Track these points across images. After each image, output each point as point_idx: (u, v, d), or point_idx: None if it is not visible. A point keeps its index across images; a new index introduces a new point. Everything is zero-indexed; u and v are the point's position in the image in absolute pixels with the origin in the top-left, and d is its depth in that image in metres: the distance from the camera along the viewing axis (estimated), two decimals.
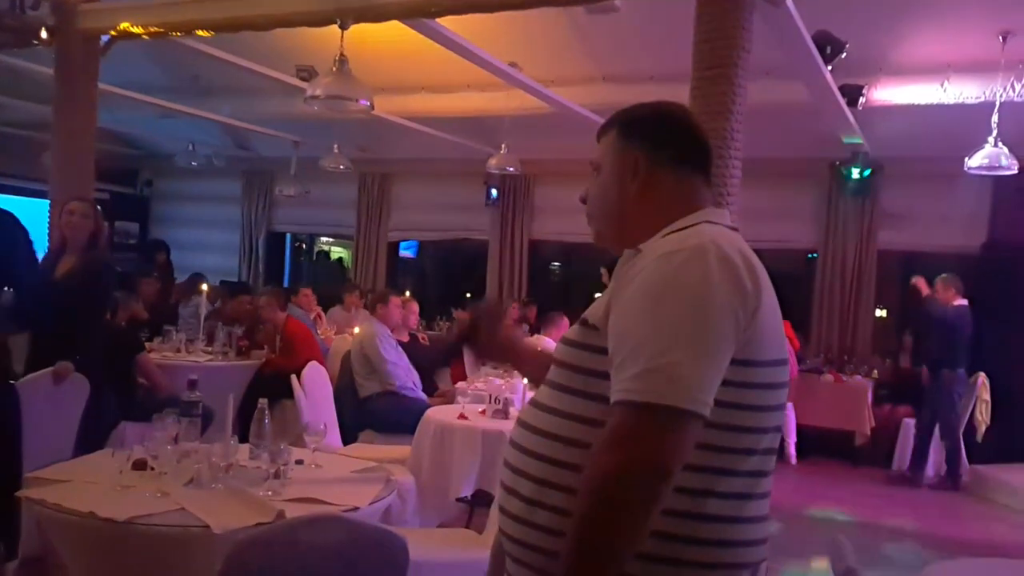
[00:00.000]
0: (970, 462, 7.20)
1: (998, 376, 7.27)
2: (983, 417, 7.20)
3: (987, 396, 7.20)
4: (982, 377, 7.23)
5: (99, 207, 4.56)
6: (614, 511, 1.18)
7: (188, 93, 8.48)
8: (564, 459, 1.34)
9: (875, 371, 8.08)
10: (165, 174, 12.13)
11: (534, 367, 1.84)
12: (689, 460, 1.22)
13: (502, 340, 1.87)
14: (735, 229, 1.43)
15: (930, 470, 7.23)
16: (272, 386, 5.03)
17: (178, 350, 6.30)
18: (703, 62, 3.89)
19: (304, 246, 13.86)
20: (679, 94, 3.21)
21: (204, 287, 6.81)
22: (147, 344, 5.92)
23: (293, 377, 4.68)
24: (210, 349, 6.43)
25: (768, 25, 4.69)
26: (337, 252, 14.74)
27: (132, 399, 5.08)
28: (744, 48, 3.94)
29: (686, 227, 1.38)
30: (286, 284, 11.72)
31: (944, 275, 7.29)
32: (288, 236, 12.55)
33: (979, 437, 7.28)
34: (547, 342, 5.88)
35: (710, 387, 1.22)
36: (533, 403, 1.47)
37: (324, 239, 14.35)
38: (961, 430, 6.98)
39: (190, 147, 10.44)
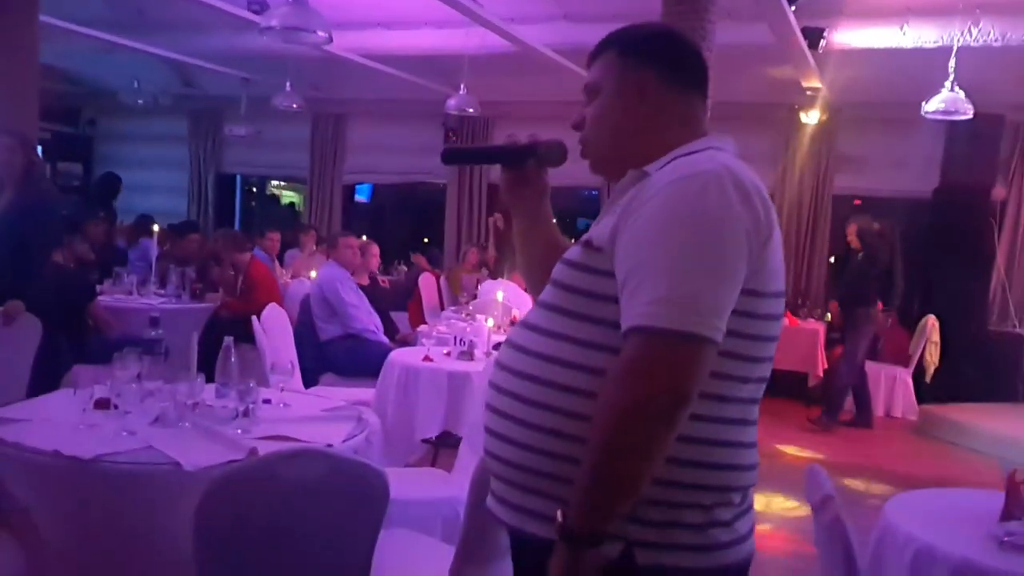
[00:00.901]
0: (920, 402, 7.43)
1: (948, 318, 7.46)
2: (932, 358, 7.42)
3: (937, 338, 7.40)
4: (932, 319, 7.42)
5: (28, 141, 4.39)
6: (636, 438, 1.18)
7: (133, 27, 8.12)
8: (561, 382, 1.31)
9: (828, 314, 8.23)
10: (109, 113, 11.69)
11: (540, 250, 1.65)
12: None
13: (543, 191, 1.64)
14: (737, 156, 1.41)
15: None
16: (230, 329, 4.93)
17: (129, 292, 6.15)
18: None
19: (255, 189, 13.56)
20: None
21: (155, 227, 6.62)
22: (97, 287, 5.77)
23: (254, 319, 4.60)
24: (163, 292, 6.28)
25: None
26: (288, 196, 14.47)
27: (84, 342, 4.96)
28: None
29: (695, 152, 1.35)
30: (236, 227, 11.48)
31: (853, 216, 7.38)
32: (238, 178, 12.26)
33: (928, 378, 7.51)
34: (512, 286, 5.88)
35: (726, 314, 1.22)
36: (525, 325, 1.43)
37: (274, 183, 14.06)
38: (861, 364, 7.08)
39: (135, 84, 10.06)
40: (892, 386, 7.57)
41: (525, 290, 6.01)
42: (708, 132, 1.44)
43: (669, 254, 1.22)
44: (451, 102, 7.77)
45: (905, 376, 7.56)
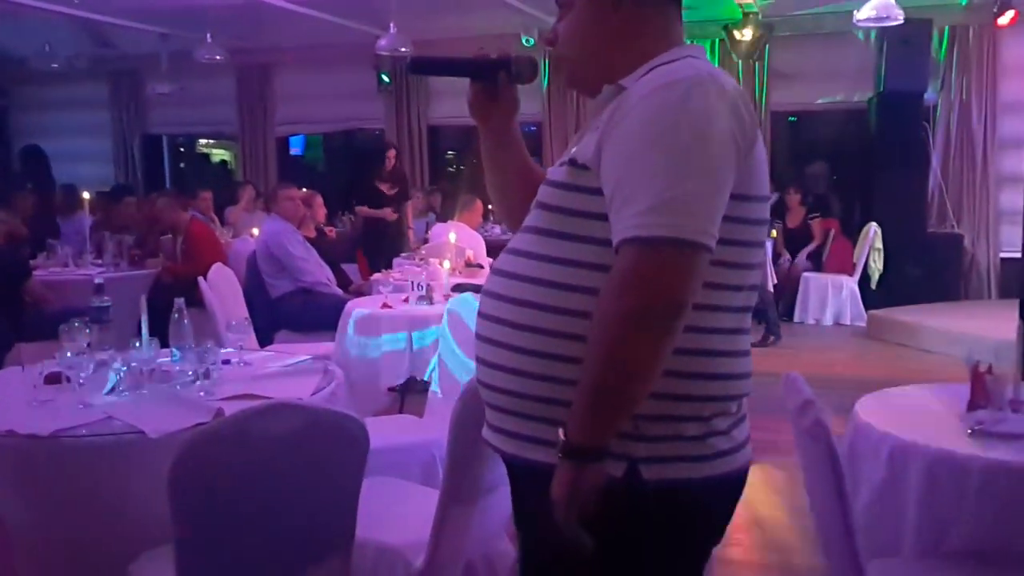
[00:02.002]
0: (867, 308, 7.62)
1: (890, 224, 7.62)
2: (876, 264, 7.59)
3: (879, 244, 7.56)
4: (874, 227, 7.56)
5: None
6: (635, 348, 1.18)
7: None
8: (554, 304, 1.29)
9: (773, 231, 8.34)
10: (21, 81, 11.13)
11: (511, 171, 1.61)
12: None
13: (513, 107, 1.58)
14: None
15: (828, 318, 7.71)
16: (175, 293, 4.80)
17: (65, 264, 5.95)
18: None
19: (183, 149, 13.15)
20: None
21: (86, 195, 6.38)
22: (31, 261, 5.56)
23: (200, 279, 4.47)
24: (100, 262, 6.09)
25: None
26: (219, 154, 14.06)
27: (21, 320, 4.80)
28: None
29: (673, 60, 1.33)
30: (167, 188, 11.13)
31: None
32: (165, 139, 11.86)
33: (873, 284, 7.69)
34: (463, 227, 5.81)
35: (718, 219, 1.21)
36: (511, 251, 1.40)
37: (203, 141, 13.64)
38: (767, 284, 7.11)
39: (46, 48, 9.53)
40: (839, 294, 7.75)
41: (475, 229, 6.00)
42: (683, 41, 1.42)
43: (656, 163, 1.20)
44: (382, 43, 7.56)
45: (851, 284, 7.73)
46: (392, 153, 7.99)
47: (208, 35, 8.52)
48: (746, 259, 1.32)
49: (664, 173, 1.19)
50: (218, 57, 8.50)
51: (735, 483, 1.36)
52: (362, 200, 7.75)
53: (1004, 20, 7.65)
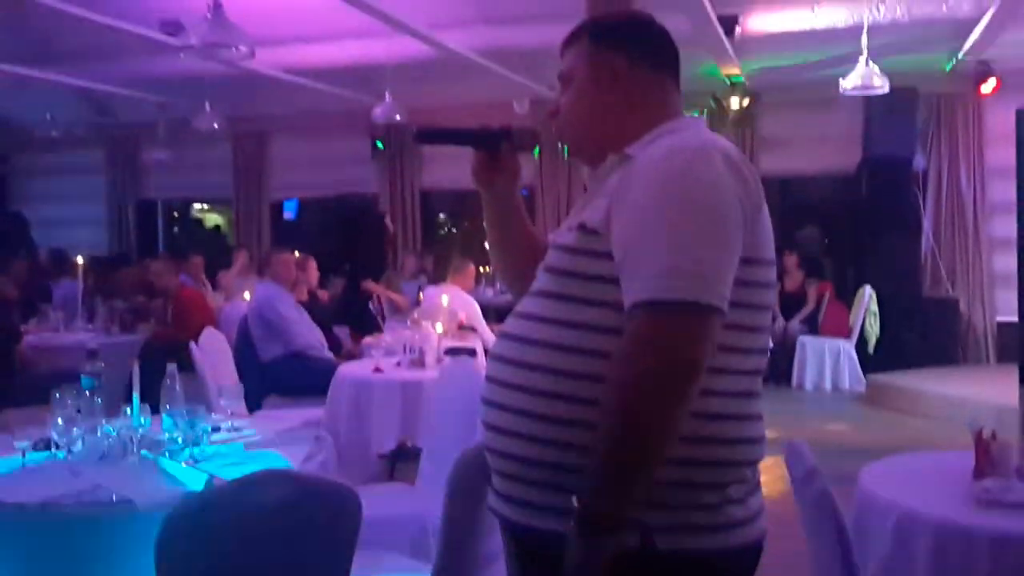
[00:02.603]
0: (865, 373, 7.59)
1: (883, 287, 7.65)
2: (873, 329, 7.59)
3: (875, 308, 7.58)
4: (869, 290, 7.59)
5: None
6: (650, 412, 1.17)
7: (42, 59, 7.81)
8: (565, 367, 1.29)
9: None
10: (21, 148, 11.24)
11: (512, 237, 1.64)
12: None
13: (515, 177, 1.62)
14: None
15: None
16: (166, 358, 4.76)
17: (57, 329, 5.90)
18: None
19: (177, 214, 13.20)
20: (565, 32, 3.09)
21: (80, 260, 6.37)
22: (23, 326, 5.53)
23: (192, 344, 4.44)
24: (91, 327, 6.06)
25: None
26: (213, 219, 14.13)
27: (11, 384, 4.73)
28: None
29: (676, 131, 1.38)
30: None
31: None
32: (159, 204, 11.92)
33: (871, 348, 7.68)
34: (455, 290, 5.80)
35: (729, 282, 1.23)
36: (519, 315, 1.40)
37: (197, 206, 13.71)
38: None
39: (47, 117, 9.66)
40: (837, 359, 7.72)
41: (468, 292, 5.99)
42: (682, 113, 1.46)
43: (667, 227, 1.23)
44: (377, 111, 7.66)
45: (848, 348, 7.71)
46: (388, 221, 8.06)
47: (206, 104, 8.64)
48: (756, 322, 1.33)
49: (675, 238, 1.22)
50: (216, 125, 8.59)
51: (752, 554, 1.33)
52: (370, 271, 7.72)
53: (987, 88, 7.82)
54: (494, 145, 1.57)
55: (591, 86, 1.45)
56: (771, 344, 7.50)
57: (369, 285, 7.70)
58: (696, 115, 1.51)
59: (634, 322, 1.21)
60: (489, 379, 1.41)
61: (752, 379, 1.34)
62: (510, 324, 1.42)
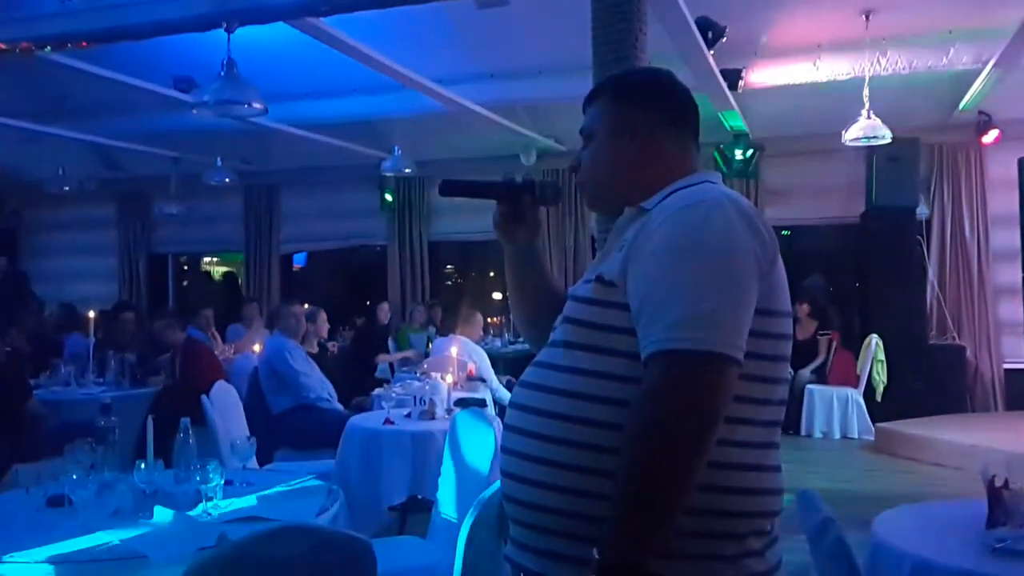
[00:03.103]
0: (873, 421, 7.54)
1: (890, 336, 7.64)
2: (881, 377, 7.56)
3: (882, 356, 7.56)
4: (875, 338, 7.58)
5: None
6: (668, 461, 1.17)
7: (55, 114, 7.97)
8: (583, 416, 1.31)
9: None
10: (34, 202, 11.35)
11: (532, 288, 1.68)
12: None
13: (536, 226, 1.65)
14: None
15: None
16: (178, 412, 4.77)
17: (67, 384, 5.92)
18: (604, 46, 3.90)
19: (188, 267, 13.29)
20: (574, 85, 3.16)
21: (92, 314, 6.42)
22: (32, 381, 5.55)
23: (204, 397, 4.45)
24: (101, 380, 6.08)
25: (655, 11, 4.76)
26: (223, 272, 14.22)
27: (22, 439, 4.73)
28: (642, 31, 3.98)
29: (692, 185, 1.41)
30: (170, 307, 11.18)
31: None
32: (170, 258, 12.01)
33: (879, 397, 7.64)
34: (464, 340, 5.81)
35: (745, 332, 1.24)
36: (538, 364, 1.43)
37: (207, 259, 13.81)
38: None
39: (60, 172, 9.78)
40: (845, 408, 7.69)
41: (476, 342, 6.01)
42: (699, 169, 1.50)
43: (682, 278, 1.25)
44: (386, 164, 7.79)
45: (857, 396, 7.68)
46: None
47: (218, 159, 8.77)
48: (773, 373, 1.34)
49: (690, 288, 1.24)
50: (227, 180, 8.72)
51: None
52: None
53: (988, 139, 7.90)
54: (517, 198, 1.60)
55: (612, 142, 1.49)
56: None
57: (381, 358, 7.77)
58: (710, 172, 1.50)
59: (650, 372, 1.22)
60: (508, 428, 1.43)
61: (770, 430, 1.35)
62: (529, 373, 1.44)
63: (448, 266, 12.66)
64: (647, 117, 1.48)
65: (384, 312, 8.51)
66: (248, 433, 4.70)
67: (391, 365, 7.76)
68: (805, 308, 8.25)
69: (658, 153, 1.47)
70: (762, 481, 1.32)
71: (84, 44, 4.86)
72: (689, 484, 1.19)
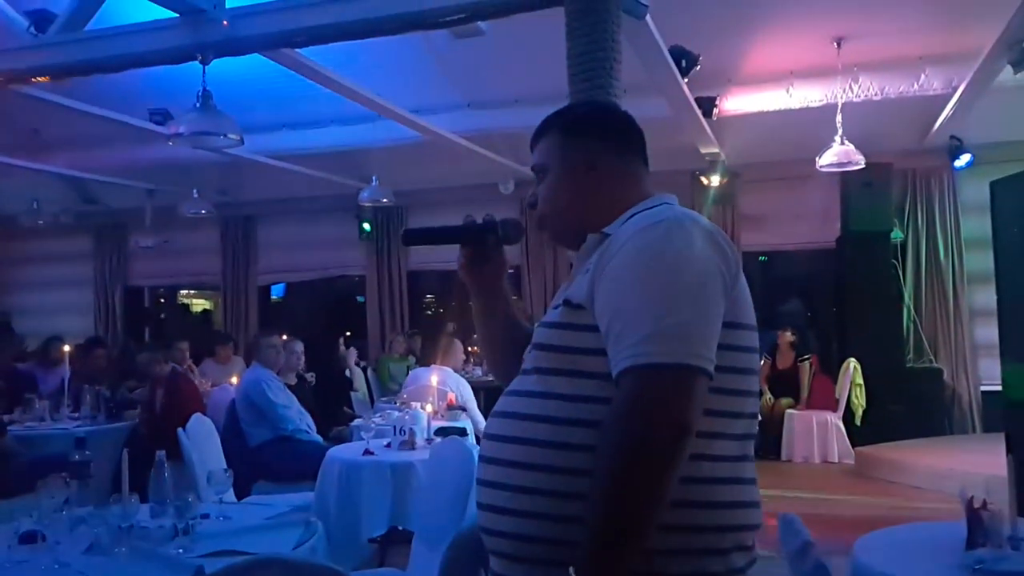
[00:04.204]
0: (853, 445, 7.57)
1: (868, 360, 7.69)
2: (859, 400, 7.60)
3: (860, 380, 7.61)
4: (853, 362, 7.63)
5: None
6: (641, 477, 1.17)
7: (29, 148, 7.93)
8: (557, 439, 1.30)
9: None
10: (7, 237, 11.25)
11: (501, 327, 1.67)
12: None
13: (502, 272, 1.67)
14: None
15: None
16: (154, 446, 4.70)
17: (42, 419, 5.84)
18: (580, 75, 3.93)
19: (164, 300, 13.18)
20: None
21: (67, 348, 6.34)
22: (7, 415, 5.47)
23: (180, 431, 4.40)
24: (76, 415, 6.00)
25: (629, 41, 4.82)
26: (199, 304, 14.11)
27: None
28: (616, 60, 4.02)
29: (650, 208, 1.43)
30: (146, 341, 11.06)
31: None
32: (146, 290, 11.91)
33: (858, 421, 7.68)
34: (444, 370, 5.79)
35: (714, 344, 1.24)
36: (511, 392, 1.42)
37: (183, 292, 13.71)
38: None
39: (34, 205, 9.71)
40: (825, 432, 7.71)
41: (457, 371, 5.99)
42: (654, 192, 1.52)
43: (649, 294, 1.26)
44: (364, 194, 7.79)
45: (836, 420, 7.71)
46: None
47: (194, 191, 8.74)
48: (743, 386, 1.34)
49: (657, 303, 1.24)
50: (203, 212, 8.68)
51: None
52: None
53: (960, 163, 8.02)
54: (480, 240, 1.60)
55: (568, 175, 1.51)
56: (759, 417, 7.58)
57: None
58: (666, 195, 1.53)
59: (622, 388, 1.22)
60: (483, 459, 1.41)
61: (743, 443, 1.35)
62: (502, 403, 1.43)
63: (428, 296, 12.63)
64: (598, 147, 1.51)
65: (351, 356, 8.40)
66: (225, 465, 4.65)
67: (370, 395, 7.71)
68: (788, 336, 8.28)
69: (613, 181, 1.50)
70: (740, 494, 1.32)
71: (55, 79, 4.84)
72: (662, 499, 1.18)
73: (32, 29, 4.82)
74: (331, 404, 6.99)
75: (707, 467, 1.28)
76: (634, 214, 1.42)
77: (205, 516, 2.75)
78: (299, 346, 6.00)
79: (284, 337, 6.40)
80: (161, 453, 2.73)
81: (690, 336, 1.22)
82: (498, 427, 1.40)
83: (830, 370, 8.21)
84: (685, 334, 1.21)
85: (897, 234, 8.32)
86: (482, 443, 1.44)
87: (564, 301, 1.38)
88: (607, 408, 1.24)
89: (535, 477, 1.31)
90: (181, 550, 2.37)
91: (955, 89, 6.50)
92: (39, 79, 5.04)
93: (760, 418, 7.68)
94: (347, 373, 7.87)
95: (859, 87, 6.74)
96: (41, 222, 9.82)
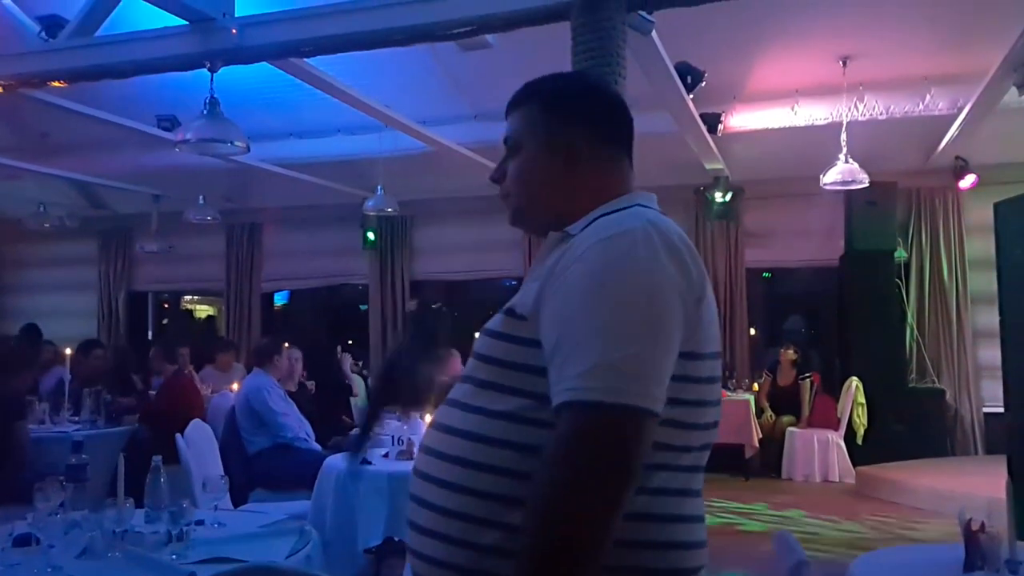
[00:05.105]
0: (854, 464, 7.54)
1: (870, 379, 7.67)
2: (861, 420, 7.57)
3: (862, 399, 7.58)
4: (855, 381, 7.60)
5: None
6: (576, 522, 1.04)
7: (38, 152, 7.97)
8: (489, 462, 1.18)
9: (755, 385, 8.37)
10: (12, 239, 11.29)
11: None
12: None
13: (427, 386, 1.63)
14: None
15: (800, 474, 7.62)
16: (152, 450, 4.69)
17: (42, 422, 5.84)
18: None
19: (168, 305, 13.21)
20: None
21: (68, 351, 6.35)
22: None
23: (178, 436, 4.40)
24: (77, 418, 6.00)
25: (635, 56, 4.84)
26: (203, 310, 14.14)
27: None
28: (622, 75, 4.03)
29: (619, 209, 1.27)
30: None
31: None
32: (150, 295, 11.94)
33: (859, 440, 7.65)
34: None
35: (664, 381, 1.12)
36: (448, 402, 1.30)
37: (187, 298, 13.73)
38: None
39: (40, 209, 9.77)
40: (826, 451, 7.68)
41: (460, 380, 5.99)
42: (633, 188, 1.37)
43: (597, 320, 1.12)
44: (369, 203, 7.81)
45: (837, 439, 7.69)
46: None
47: (200, 197, 8.77)
48: (696, 419, 1.22)
49: (605, 332, 1.10)
50: (209, 218, 8.71)
51: None
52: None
53: (965, 183, 8.02)
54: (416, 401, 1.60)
55: (543, 160, 1.35)
56: (759, 435, 7.54)
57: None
58: (649, 193, 1.37)
59: (561, 424, 1.09)
60: (415, 472, 1.29)
61: (690, 476, 1.22)
62: (439, 412, 1.31)
63: (433, 305, 12.64)
64: (582, 134, 1.34)
65: (346, 361, 8.38)
66: (222, 472, 4.64)
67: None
68: (790, 353, 8.27)
69: (591, 174, 1.34)
70: (679, 533, 1.20)
71: (66, 83, 4.87)
72: (601, 548, 1.06)
73: (43, 34, 4.86)
74: (330, 412, 6.98)
75: (642, 502, 1.15)
76: (602, 215, 1.26)
77: (200, 522, 2.74)
78: (296, 353, 6.00)
79: (286, 345, 6.41)
80: (157, 458, 2.73)
81: (638, 373, 1.09)
82: (432, 439, 1.28)
83: (832, 388, 8.19)
84: (633, 370, 1.08)
85: (901, 253, 8.31)
86: (416, 455, 1.33)
87: (507, 309, 1.25)
88: (541, 432, 1.13)
89: (457, 499, 1.19)
90: (174, 556, 2.36)
91: (960, 109, 6.51)
92: (49, 83, 5.07)
93: (761, 436, 7.69)
94: (346, 380, 7.86)
95: (864, 106, 6.76)
96: (47, 225, 9.88)
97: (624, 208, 1.27)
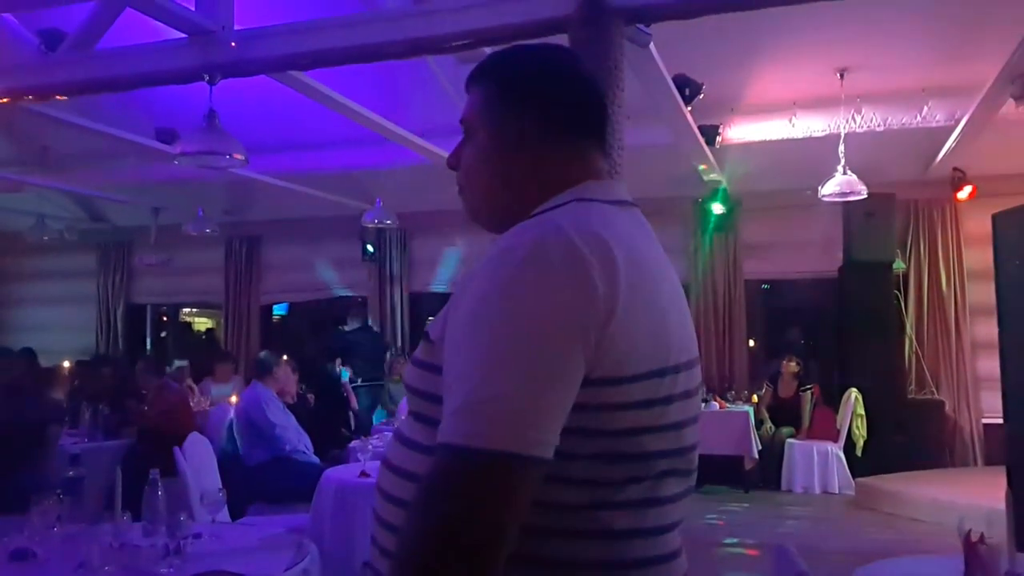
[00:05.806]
0: (853, 476, 7.53)
1: (869, 390, 7.67)
2: (860, 431, 7.56)
3: (861, 410, 7.57)
4: (854, 392, 7.60)
5: None
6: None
7: (38, 165, 7.99)
8: (401, 496, 1.08)
9: (754, 396, 8.37)
10: (11, 252, 11.30)
11: None
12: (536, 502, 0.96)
13: None
14: (625, 203, 1.17)
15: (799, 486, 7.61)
16: (149, 463, 4.68)
17: None
18: None
19: (167, 318, 13.21)
20: None
21: (66, 364, 6.36)
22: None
23: (176, 449, 4.38)
24: (74, 431, 5.99)
25: (633, 69, 4.86)
26: (201, 323, 14.14)
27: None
28: (619, 87, 4.05)
29: (555, 207, 1.12)
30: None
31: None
32: (148, 308, 11.93)
33: (859, 451, 7.64)
34: None
35: (550, 422, 0.96)
36: (394, 432, 1.20)
37: (186, 310, 13.73)
38: None
39: (40, 222, 9.77)
40: (825, 462, 7.66)
41: None
42: (588, 177, 1.18)
43: (475, 352, 0.98)
44: (368, 216, 7.82)
45: (837, 450, 7.67)
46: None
47: (199, 209, 8.78)
48: (635, 448, 1.05)
49: (479, 365, 0.96)
50: (208, 230, 8.72)
51: None
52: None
53: (962, 195, 8.03)
54: None
55: (492, 147, 1.19)
56: (759, 446, 7.52)
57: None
58: (605, 183, 1.19)
59: (432, 463, 0.96)
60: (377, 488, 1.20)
61: (635, 513, 1.06)
62: (387, 445, 1.23)
63: (429, 318, 12.64)
64: (538, 120, 1.17)
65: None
66: (220, 485, 4.63)
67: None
68: (792, 365, 8.27)
69: (546, 163, 1.17)
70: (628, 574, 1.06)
71: (65, 96, 4.89)
72: None
73: (43, 48, 4.88)
74: (329, 425, 6.97)
75: (573, 546, 1.03)
76: (536, 213, 1.12)
77: (197, 536, 2.73)
78: (291, 365, 6.00)
79: (285, 357, 6.41)
80: (155, 472, 2.72)
81: (510, 414, 0.93)
82: (380, 475, 1.18)
83: (831, 400, 8.18)
84: (502, 412, 0.93)
85: (899, 265, 8.32)
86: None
87: (424, 334, 1.13)
88: None
89: (383, 534, 1.11)
90: (171, 569, 2.35)
91: (958, 121, 6.53)
92: (49, 97, 5.09)
93: (760, 447, 7.67)
94: (344, 393, 7.86)
95: (862, 118, 6.79)
96: (46, 238, 9.87)
97: (558, 206, 1.12)
